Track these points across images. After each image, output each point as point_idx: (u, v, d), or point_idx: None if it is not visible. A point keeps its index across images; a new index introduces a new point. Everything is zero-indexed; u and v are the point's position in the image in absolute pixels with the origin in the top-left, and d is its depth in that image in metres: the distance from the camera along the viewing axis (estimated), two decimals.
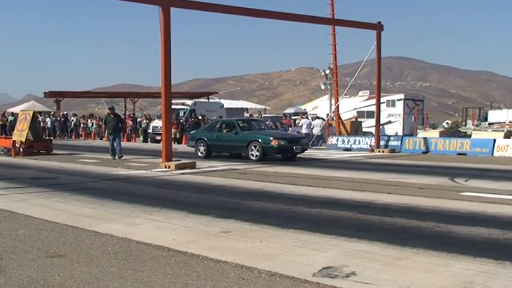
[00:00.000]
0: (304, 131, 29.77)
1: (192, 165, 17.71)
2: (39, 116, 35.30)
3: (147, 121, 38.12)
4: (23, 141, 23.52)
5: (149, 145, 32.97)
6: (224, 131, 21.63)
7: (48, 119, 44.01)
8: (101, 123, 41.47)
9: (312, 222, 8.35)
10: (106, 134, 21.33)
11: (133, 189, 12.83)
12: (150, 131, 36.24)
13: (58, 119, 44.93)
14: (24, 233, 7.77)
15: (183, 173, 16.08)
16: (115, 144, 21.10)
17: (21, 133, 23.80)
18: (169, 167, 17.27)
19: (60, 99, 48.27)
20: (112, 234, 7.53)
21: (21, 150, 23.37)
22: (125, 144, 35.08)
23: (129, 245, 6.94)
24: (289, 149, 20.43)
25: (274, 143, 19.87)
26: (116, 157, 20.82)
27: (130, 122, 39.07)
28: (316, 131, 30.34)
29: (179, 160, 18.29)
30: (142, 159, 21.06)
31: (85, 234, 7.61)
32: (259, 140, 20.10)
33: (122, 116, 43.32)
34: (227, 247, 6.80)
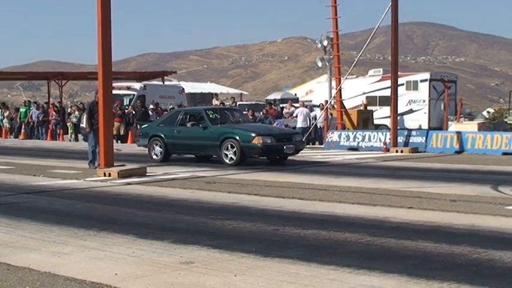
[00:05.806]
0: (300, 124, 29.75)
1: (142, 172, 17.69)
2: None
3: (79, 112, 37.85)
4: None
5: (82, 145, 32.71)
6: (188, 124, 21.62)
7: None
8: (15, 114, 41.23)
9: (305, 249, 8.39)
10: (88, 130, 20.08)
11: (60, 205, 12.78)
12: (83, 125, 35.96)
13: None
14: None
15: (128, 183, 16.05)
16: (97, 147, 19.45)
17: None
18: (109, 175, 17.22)
19: None
20: (31, 268, 7.50)
21: None
22: (48, 143, 35.04)
23: (55, 283, 6.91)
24: (278, 150, 20.49)
25: (257, 141, 19.79)
26: (96, 164, 19.31)
27: (54, 113, 38.79)
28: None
29: (123, 165, 18.22)
30: (73, 164, 20.93)
31: None
32: (237, 138, 20.05)
33: (45, 106, 43.21)
34: (189, 283, 6.81)
